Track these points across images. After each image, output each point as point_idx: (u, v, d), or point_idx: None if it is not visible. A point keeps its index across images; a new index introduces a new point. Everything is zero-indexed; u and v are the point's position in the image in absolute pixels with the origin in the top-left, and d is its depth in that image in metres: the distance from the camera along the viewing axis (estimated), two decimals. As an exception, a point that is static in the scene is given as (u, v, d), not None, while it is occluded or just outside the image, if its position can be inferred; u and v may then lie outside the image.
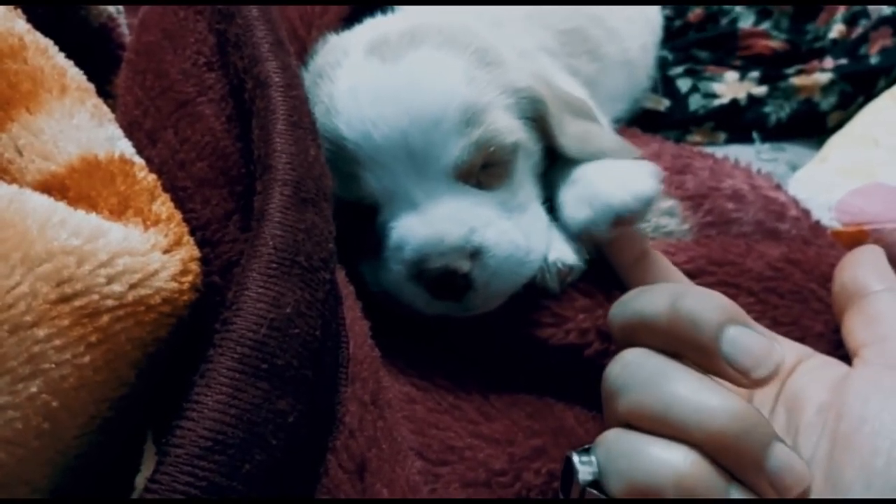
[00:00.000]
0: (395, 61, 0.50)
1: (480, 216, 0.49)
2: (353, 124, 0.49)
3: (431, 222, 0.48)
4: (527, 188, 0.53)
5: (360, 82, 0.50)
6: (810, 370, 0.45)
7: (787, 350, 0.45)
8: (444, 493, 0.44)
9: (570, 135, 0.54)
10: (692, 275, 0.54)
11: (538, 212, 0.53)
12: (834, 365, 0.45)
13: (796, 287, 0.53)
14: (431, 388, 0.50)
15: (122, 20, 0.68)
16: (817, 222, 0.62)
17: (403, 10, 0.63)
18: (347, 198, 0.50)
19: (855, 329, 0.44)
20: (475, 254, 0.48)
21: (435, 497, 0.43)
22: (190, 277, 0.39)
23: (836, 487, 0.37)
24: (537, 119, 0.53)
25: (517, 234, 0.50)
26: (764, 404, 0.44)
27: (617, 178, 0.51)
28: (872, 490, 0.35)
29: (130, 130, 0.48)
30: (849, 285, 0.46)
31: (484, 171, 0.50)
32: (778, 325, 0.52)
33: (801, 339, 0.51)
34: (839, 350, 0.48)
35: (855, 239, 0.68)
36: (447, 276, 0.47)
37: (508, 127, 0.50)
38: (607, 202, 0.50)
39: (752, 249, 0.56)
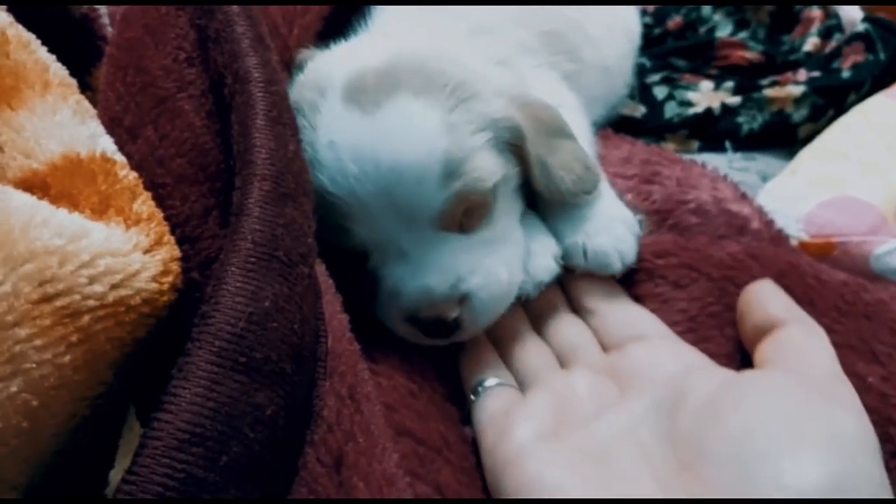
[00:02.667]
0: (373, 113, 0.50)
1: (465, 263, 0.52)
2: (337, 181, 0.50)
3: (420, 274, 0.51)
4: (507, 216, 0.55)
5: (339, 136, 0.50)
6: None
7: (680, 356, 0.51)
8: (438, 476, 0.46)
9: (539, 168, 0.56)
10: (657, 255, 0.58)
11: (517, 238, 0.56)
12: (679, 353, 0.51)
13: (753, 280, 0.55)
14: (429, 389, 0.53)
15: (103, 10, 0.68)
16: (779, 231, 0.64)
17: (382, 25, 0.63)
18: (339, 245, 0.52)
19: (764, 353, 0.48)
20: (462, 300, 0.51)
21: (425, 484, 0.45)
22: (170, 278, 0.39)
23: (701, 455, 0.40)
24: (516, 144, 0.55)
25: (500, 269, 0.53)
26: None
27: (613, 241, 0.56)
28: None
29: (112, 126, 0.48)
30: (760, 323, 0.50)
31: (465, 214, 0.52)
32: (730, 310, 0.55)
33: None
34: None
35: (822, 250, 0.70)
36: (438, 323, 0.51)
37: (488, 170, 0.52)
38: (603, 265, 0.56)
39: (714, 242, 0.59)
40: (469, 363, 0.55)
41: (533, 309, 0.58)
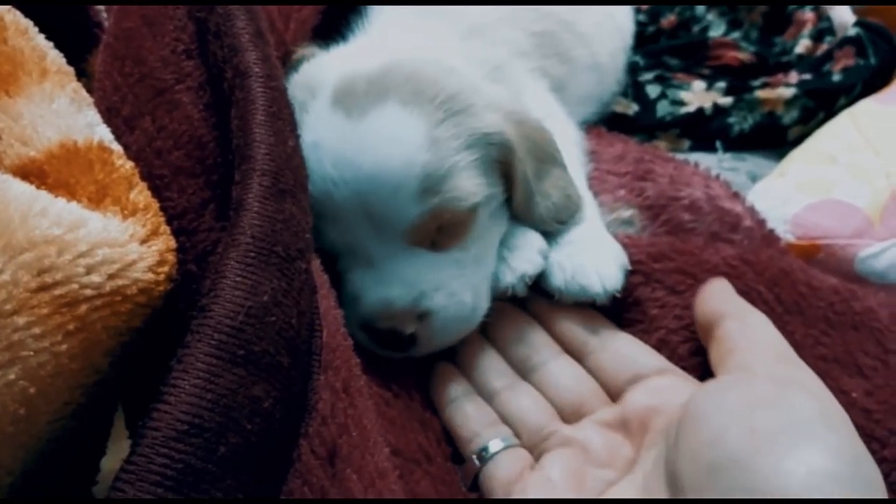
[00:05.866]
0: (358, 118, 0.50)
1: (430, 280, 0.51)
2: (316, 182, 0.50)
3: (382, 284, 0.51)
4: (483, 237, 0.54)
5: (323, 138, 0.50)
6: (659, 390, 0.49)
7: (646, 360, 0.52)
8: (417, 487, 0.46)
9: (522, 188, 0.55)
10: (654, 258, 0.58)
11: (489, 261, 0.55)
12: (677, 389, 0.49)
13: (746, 288, 0.55)
14: (405, 397, 0.52)
15: (99, -3, 0.68)
16: (771, 231, 0.64)
17: (379, 27, 0.63)
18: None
19: (713, 358, 0.47)
20: (422, 316, 0.51)
21: (408, 487, 0.46)
22: (166, 268, 0.39)
23: (673, 478, 0.40)
24: (504, 162, 0.54)
25: (466, 292, 0.52)
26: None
27: (596, 264, 0.54)
28: (700, 474, 0.38)
29: (108, 116, 0.48)
30: (704, 322, 0.49)
31: (439, 231, 0.52)
32: None
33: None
34: None
35: (807, 253, 0.71)
36: (392, 334, 0.51)
37: (468, 191, 0.51)
38: (584, 287, 0.54)
39: (710, 245, 0.59)
40: (466, 424, 0.52)
41: (517, 353, 0.55)
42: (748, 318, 0.48)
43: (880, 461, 0.47)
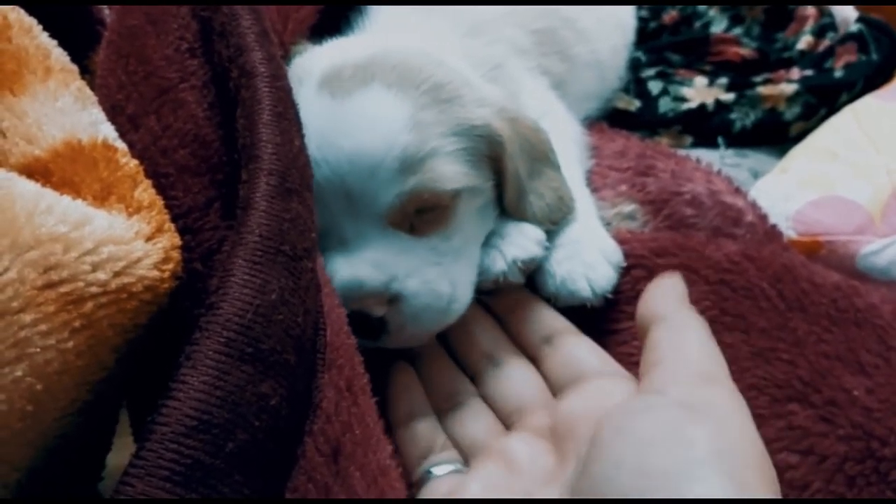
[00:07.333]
0: (342, 99, 0.51)
1: (404, 264, 0.50)
2: None
3: (355, 265, 0.50)
4: (466, 230, 0.53)
5: (307, 119, 0.49)
6: (588, 396, 0.48)
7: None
8: None
9: (513, 185, 0.55)
10: (656, 253, 0.57)
11: (472, 256, 0.54)
12: (611, 393, 0.47)
13: (748, 284, 0.55)
14: None
15: (102, -6, 0.68)
16: (773, 226, 0.64)
17: (372, 25, 0.63)
18: None
19: (641, 366, 0.44)
20: (393, 300, 0.49)
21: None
22: (171, 266, 0.39)
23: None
24: (494, 157, 0.54)
25: (443, 282, 0.51)
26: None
27: (585, 267, 0.55)
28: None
29: (112, 114, 0.48)
30: (641, 323, 0.46)
31: (419, 216, 0.51)
32: (725, 315, 0.55)
33: (745, 332, 0.54)
34: (780, 343, 0.53)
35: (809, 249, 0.71)
36: (361, 318, 0.49)
37: (449, 175, 0.50)
38: (573, 292, 0.54)
39: (712, 241, 0.59)
40: (411, 451, 0.51)
41: (470, 355, 0.54)
42: (682, 326, 0.44)
43: (880, 460, 0.47)
